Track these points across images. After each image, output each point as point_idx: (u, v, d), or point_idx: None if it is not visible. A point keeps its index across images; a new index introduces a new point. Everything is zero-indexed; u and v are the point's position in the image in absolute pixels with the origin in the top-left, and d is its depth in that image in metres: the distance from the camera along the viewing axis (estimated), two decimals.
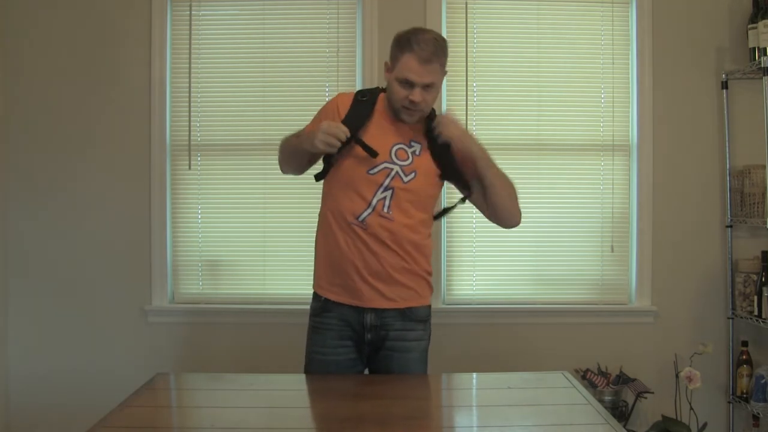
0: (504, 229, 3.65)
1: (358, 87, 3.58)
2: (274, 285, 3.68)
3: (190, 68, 3.65)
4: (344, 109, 2.58)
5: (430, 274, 2.67)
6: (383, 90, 2.65)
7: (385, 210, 2.51)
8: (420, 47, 2.44)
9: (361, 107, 2.58)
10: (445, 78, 3.54)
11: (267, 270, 3.69)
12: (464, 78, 3.63)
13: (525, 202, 3.62)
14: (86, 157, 3.65)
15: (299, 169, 2.73)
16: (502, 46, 3.67)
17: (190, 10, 3.66)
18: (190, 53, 3.65)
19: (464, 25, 3.63)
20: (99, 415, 2.06)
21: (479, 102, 3.66)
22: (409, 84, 2.46)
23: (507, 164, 3.62)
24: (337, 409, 2.22)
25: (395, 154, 2.54)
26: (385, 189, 2.52)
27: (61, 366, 3.64)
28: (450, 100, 3.64)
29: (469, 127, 3.61)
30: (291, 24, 3.67)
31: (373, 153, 2.50)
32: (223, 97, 3.68)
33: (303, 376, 2.64)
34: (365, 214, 2.51)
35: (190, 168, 3.67)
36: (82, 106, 3.64)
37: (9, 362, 3.66)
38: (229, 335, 3.65)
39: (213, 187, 3.68)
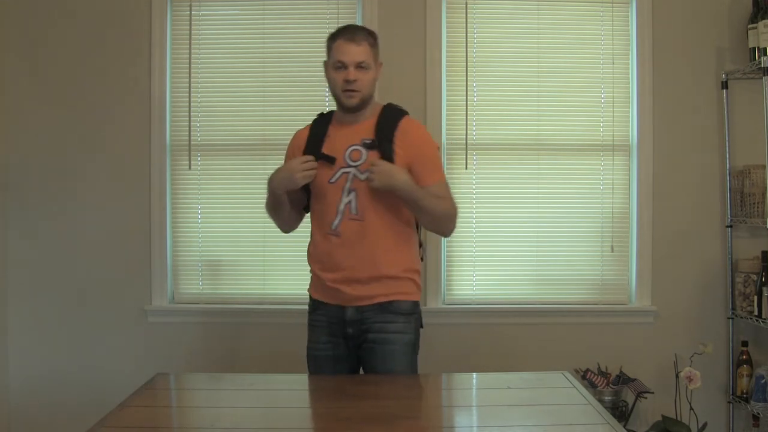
0: (504, 229, 3.70)
1: None
2: (274, 285, 3.68)
3: (190, 68, 3.65)
4: (302, 141, 2.71)
5: (415, 271, 2.69)
6: None
7: (353, 212, 2.59)
8: (347, 31, 2.63)
9: (318, 126, 2.72)
10: (444, 79, 3.55)
11: (267, 270, 3.69)
12: (464, 78, 3.63)
13: (525, 202, 3.67)
14: (86, 157, 3.65)
15: (297, 215, 2.80)
16: (502, 46, 3.66)
17: (190, 10, 3.66)
18: (190, 53, 3.65)
19: (464, 25, 3.63)
20: (99, 415, 2.06)
21: (479, 102, 3.65)
22: (342, 66, 2.58)
23: (507, 164, 3.67)
24: (337, 409, 2.22)
25: (349, 157, 2.61)
26: (349, 192, 2.59)
27: (61, 366, 3.64)
28: (450, 100, 3.64)
29: (469, 127, 3.62)
30: (291, 24, 3.67)
31: (330, 159, 2.61)
32: (223, 97, 3.68)
33: (303, 376, 2.65)
34: (336, 221, 2.61)
35: (190, 168, 3.67)
36: (82, 106, 3.64)
37: (9, 362, 3.66)
38: (229, 335, 3.65)
39: (213, 187, 3.69)
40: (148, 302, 3.65)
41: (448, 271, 3.67)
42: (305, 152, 2.65)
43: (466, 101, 3.63)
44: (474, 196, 3.65)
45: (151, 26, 3.61)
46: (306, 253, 2.75)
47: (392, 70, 3.57)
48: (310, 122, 2.77)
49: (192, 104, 3.66)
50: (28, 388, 3.65)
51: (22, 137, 3.65)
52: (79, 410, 3.43)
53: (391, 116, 2.65)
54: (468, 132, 3.62)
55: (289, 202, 2.71)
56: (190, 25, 3.65)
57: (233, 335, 3.65)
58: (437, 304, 3.62)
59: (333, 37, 2.63)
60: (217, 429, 2.04)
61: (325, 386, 2.52)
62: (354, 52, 2.57)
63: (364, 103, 2.62)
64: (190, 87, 3.66)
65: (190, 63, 3.65)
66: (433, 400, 2.52)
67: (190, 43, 3.65)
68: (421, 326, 2.71)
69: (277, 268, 3.68)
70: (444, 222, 2.68)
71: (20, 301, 3.66)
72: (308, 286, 2.75)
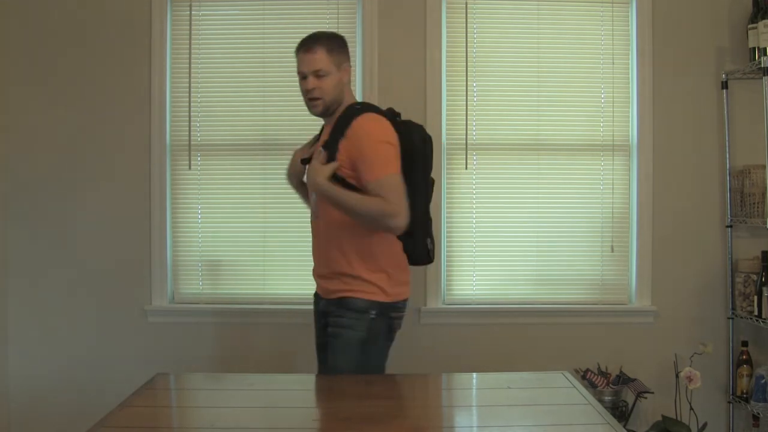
0: (504, 229, 3.70)
1: (358, 87, 3.58)
2: (274, 285, 3.68)
3: (190, 68, 3.66)
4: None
5: (380, 272, 2.66)
6: None
7: (316, 210, 2.74)
8: (305, 41, 2.70)
9: (323, 126, 2.84)
10: (444, 79, 3.55)
11: (267, 270, 3.69)
12: (464, 78, 3.63)
13: (525, 202, 3.67)
14: (86, 157, 3.65)
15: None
16: (502, 46, 3.66)
17: (190, 10, 3.66)
18: (190, 53, 3.65)
19: (464, 25, 3.63)
20: (99, 415, 2.06)
21: (479, 102, 3.65)
22: (303, 77, 2.68)
23: (507, 164, 3.67)
24: (337, 409, 2.22)
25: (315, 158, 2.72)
26: (313, 192, 2.71)
27: (61, 366, 3.64)
28: (450, 100, 3.64)
29: (469, 127, 3.62)
30: (291, 24, 3.66)
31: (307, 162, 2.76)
32: (223, 97, 3.68)
33: (303, 376, 2.65)
34: (312, 218, 2.79)
35: (190, 168, 3.67)
36: (82, 106, 3.64)
37: (9, 362, 3.66)
38: (229, 335, 3.65)
39: (213, 187, 3.69)
40: (148, 302, 3.64)
41: (448, 271, 3.67)
42: None
43: (466, 101, 3.63)
44: (474, 196, 3.65)
45: (151, 26, 3.61)
46: (308, 249, 2.84)
47: (392, 70, 3.59)
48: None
49: (192, 104, 3.66)
50: (28, 388, 3.65)
51: (22, 137, 3.65)
52: (79, 410, 3.43)
53: (347, 116, 2.66)
54: (468, 132, 3.62)
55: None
56: (190, 25, 3.65)
57: (233, 335, 3.65)
58: (437, 304, 3.62)
59: (296, 49, 2.71)
60: (217, 429, 2.04)
61: (324, 386, 2.52)
62: (309, 61, 2.64)
63: (329, 108, 2.69)
64: (190, 87, 3.66)
65: (190, 63, 3.65)
66: (433, 400, 2.52)
67: (190, 43, 3.65)
68: (393, 329, 2.72)
69: (277, 268, 3.69)
70: (372, 221, 2.58)
71: (20, 301, 3.66)
72: None
